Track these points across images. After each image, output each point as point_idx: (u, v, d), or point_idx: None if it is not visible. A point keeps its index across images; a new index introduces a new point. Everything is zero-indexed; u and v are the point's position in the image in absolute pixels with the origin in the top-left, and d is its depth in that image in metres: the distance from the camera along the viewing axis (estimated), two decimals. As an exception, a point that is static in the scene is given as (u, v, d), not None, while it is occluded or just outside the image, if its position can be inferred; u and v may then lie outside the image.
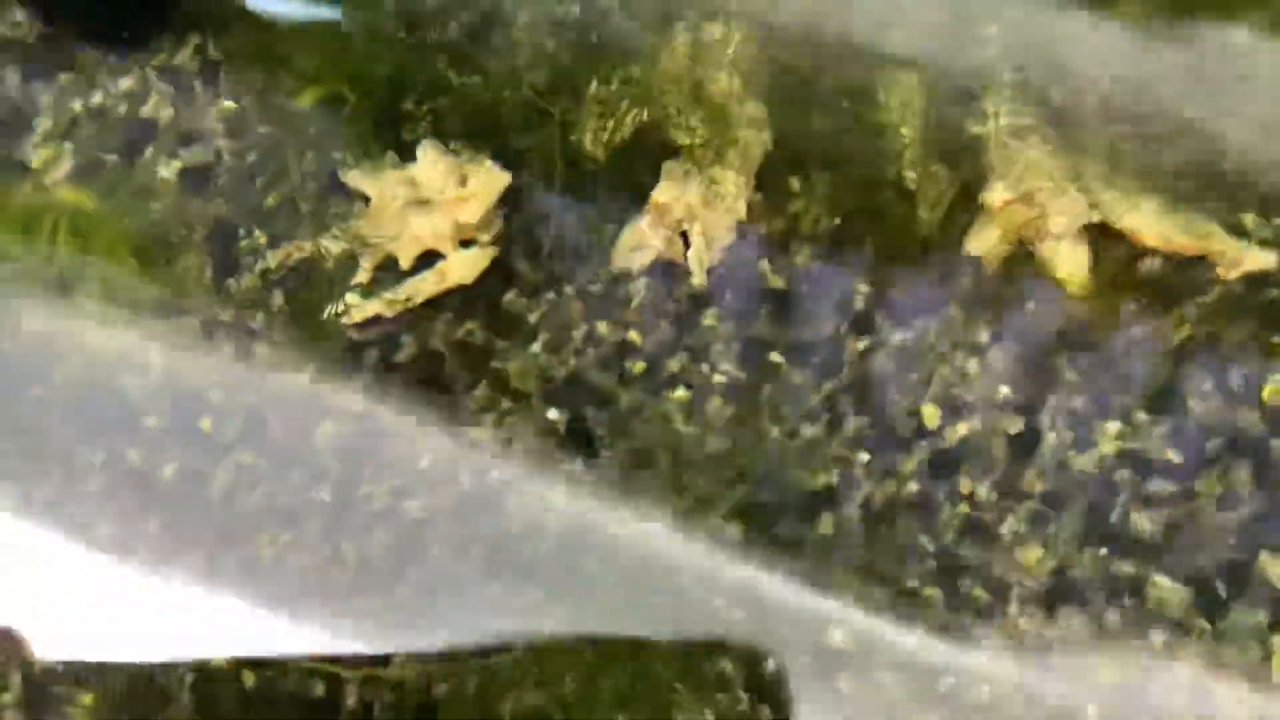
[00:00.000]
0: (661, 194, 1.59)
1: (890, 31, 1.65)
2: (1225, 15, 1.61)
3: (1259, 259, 1.51)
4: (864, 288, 1.54)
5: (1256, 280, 1.51)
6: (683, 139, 1.63)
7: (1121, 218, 1.52)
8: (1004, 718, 1.37)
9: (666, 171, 1.60)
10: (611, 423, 1.51)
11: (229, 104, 1.71)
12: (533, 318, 1.57)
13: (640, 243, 1.58)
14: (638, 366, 1.54)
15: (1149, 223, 1.52)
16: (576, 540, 1.47)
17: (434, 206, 1.62)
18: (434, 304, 1.59)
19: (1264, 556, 1.39)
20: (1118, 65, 1.60)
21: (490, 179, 1.62)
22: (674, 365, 1.54)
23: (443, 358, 1.57)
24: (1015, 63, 1.61)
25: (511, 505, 1.49)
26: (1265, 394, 1.46)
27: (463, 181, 1.62)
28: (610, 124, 1.64)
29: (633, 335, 1.56)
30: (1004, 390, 1.49)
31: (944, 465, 1.47)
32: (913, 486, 1.45)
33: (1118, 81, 1.60)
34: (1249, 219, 1.55)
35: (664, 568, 1.45)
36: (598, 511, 1.47)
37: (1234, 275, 1.51)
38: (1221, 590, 1.38)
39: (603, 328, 1.56)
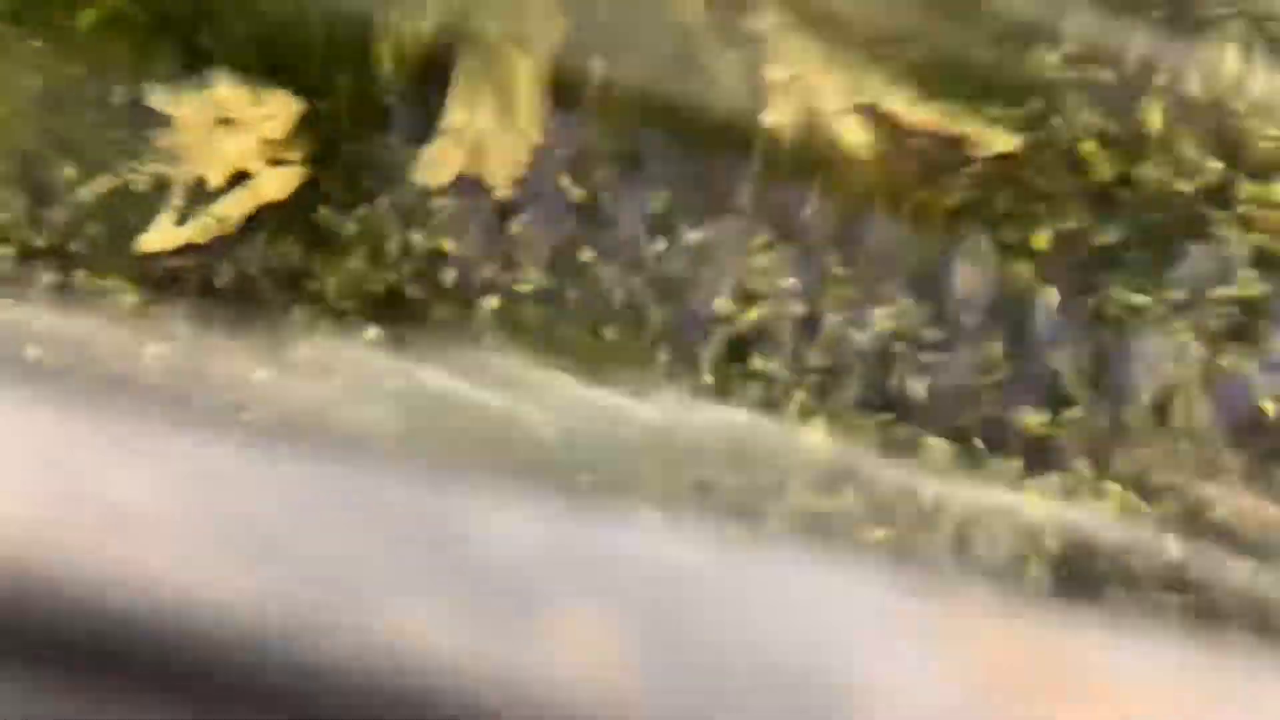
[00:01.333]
0: (454, 114, 1.67)
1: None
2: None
3: (1005, 141, 1.66)
4: (663, 191, 1.66)
5: (1010, 160, 1.67)
6: (474, 53, 1.70)
7: (884, 102, 1.66)
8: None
9: (458, 84, 1.67)
10: (430, 336, 1.61)
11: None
12: (347, 232, 1.65)
13: (440, 160, 1.67)
14: (450, 277, 1.64)
15: (907, 106, 1.66)
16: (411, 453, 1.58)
17: (238, 125, 1.68)
18: (250, 225, 1.66)
19: (1021, 413, 1.58)
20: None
21: (287, 102, 1.68)
22: (485, 274, 1.64)
23: (262, 279, 1.64)
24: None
25: (340, 421, 1.59)
26: (1036, 245, 1.63)
27: (260, 103, 1.68)
28: (407, 42, 1.70)
29: (445, 245, 1.65)
30: (791, 280, 1.64)
31: (736, 348, 1.61)
32: (708, 378, 1.60)
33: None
34: (995, 108, 1.70)
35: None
36: (429, 425, 1.58)
37: (987, 154, 1.67)
38: (981, 445, 1.57)
39: (416, 240, 1.65)
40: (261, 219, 1.66)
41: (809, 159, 1.68)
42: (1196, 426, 1.55)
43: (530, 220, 1.66)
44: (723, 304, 1.62)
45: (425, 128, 1.68)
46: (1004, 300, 1.62)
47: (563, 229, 1.66)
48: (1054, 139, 1.68)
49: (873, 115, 1.68)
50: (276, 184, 1.67)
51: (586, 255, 1.64)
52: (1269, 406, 1.53)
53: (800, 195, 1.68)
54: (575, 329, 1.60)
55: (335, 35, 1.71)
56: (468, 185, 1.67)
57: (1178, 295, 1.58)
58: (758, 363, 1.60)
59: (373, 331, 1.61)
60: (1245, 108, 1.65)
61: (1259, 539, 1.51)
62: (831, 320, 1.62)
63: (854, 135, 1.66)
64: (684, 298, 1.62)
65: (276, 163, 1.68)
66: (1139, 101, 1.68)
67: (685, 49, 1.68)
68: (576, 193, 1.67)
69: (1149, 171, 1.64)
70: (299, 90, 1.67)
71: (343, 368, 1.60)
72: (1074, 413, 1.58)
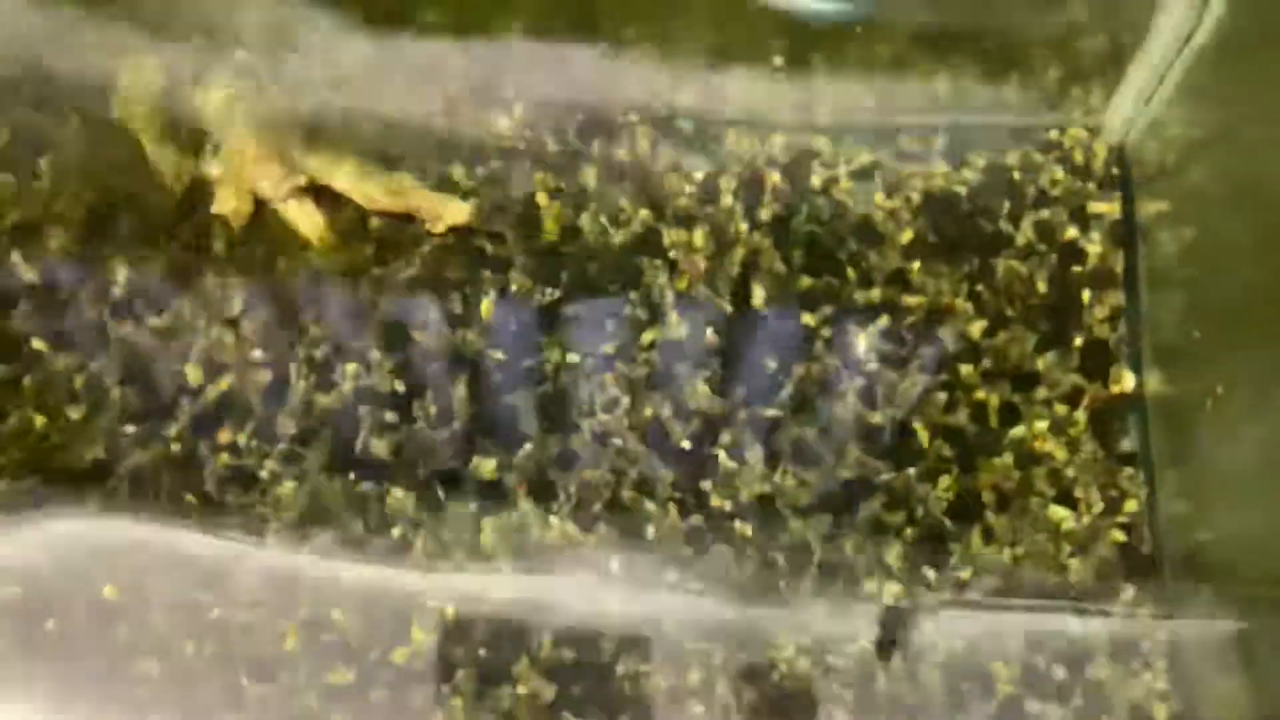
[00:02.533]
0: None
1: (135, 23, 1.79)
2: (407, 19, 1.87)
3: (458, 212, 1.81)
4: (121, 271, 1.73)
5: (464, 230, 1.82)
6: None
7: (330, 181, 1.77)
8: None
9: None
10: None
11: None
12: None
13: None
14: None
15: (351, 185, 1.78)
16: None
17: None
18: None
19: (476, 460, 1.74)
20: (336, 55, 1.83)
21: None
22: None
23: None
24: (241, 44, 1.80)
25: None
26: (483, 311, 1.79)
27: None
28: None
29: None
30: (257, 352, 1.74)
31: (205, 422, 1.71)
32: (177, 447, 1.68)
33: (331, 67, 1.83)
34: (457, 170, 1.84)
35: None
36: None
37: (440, 229, 1.81)
38: (440, 491, 1.72)
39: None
40: None
41: (267, 241, 1.77)
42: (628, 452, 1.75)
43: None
44: (192, 375, 1.71)
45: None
46: (459, 360, 1.77)
47: (17, 315, 1.71)
48: (508, 201, 1.84)
49: (324, 196, 1.78)
50: None
51: (44, 338, 1.70)
52: (685, 444, 1.75)
53: (264, 273, 1.77)
54: (32, 413, 1.66)
55: None
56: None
57: (610, 347, 1.77)
58: (226, 434, 1.70)
59: None
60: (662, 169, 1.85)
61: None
62: (298, 386, 1.73)
63: (303, 220, 1.76)
64: (150, 374, 1.70)
65: None
66: (579, 164, 1.86)
67: (131, 145, 1.75)
68: (27, 277, 1.72)
69: (588, 224, 1.82)
70: None
71: None
72: (526, 450, 1.75)
